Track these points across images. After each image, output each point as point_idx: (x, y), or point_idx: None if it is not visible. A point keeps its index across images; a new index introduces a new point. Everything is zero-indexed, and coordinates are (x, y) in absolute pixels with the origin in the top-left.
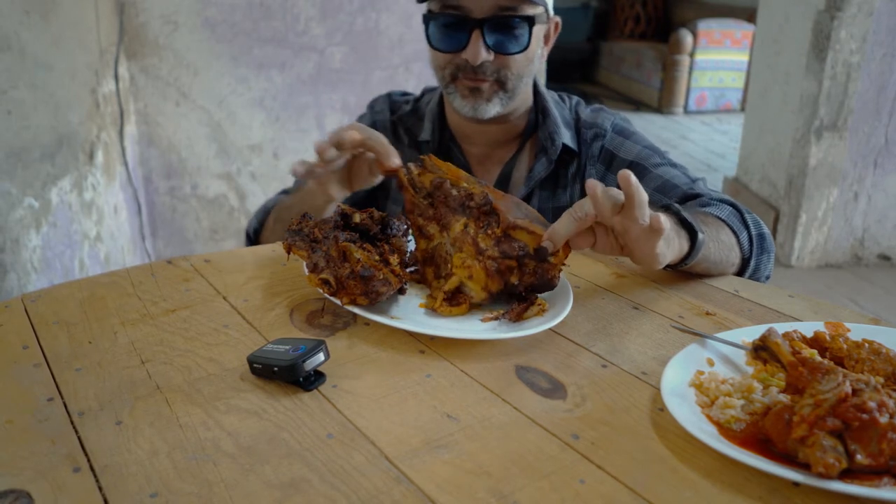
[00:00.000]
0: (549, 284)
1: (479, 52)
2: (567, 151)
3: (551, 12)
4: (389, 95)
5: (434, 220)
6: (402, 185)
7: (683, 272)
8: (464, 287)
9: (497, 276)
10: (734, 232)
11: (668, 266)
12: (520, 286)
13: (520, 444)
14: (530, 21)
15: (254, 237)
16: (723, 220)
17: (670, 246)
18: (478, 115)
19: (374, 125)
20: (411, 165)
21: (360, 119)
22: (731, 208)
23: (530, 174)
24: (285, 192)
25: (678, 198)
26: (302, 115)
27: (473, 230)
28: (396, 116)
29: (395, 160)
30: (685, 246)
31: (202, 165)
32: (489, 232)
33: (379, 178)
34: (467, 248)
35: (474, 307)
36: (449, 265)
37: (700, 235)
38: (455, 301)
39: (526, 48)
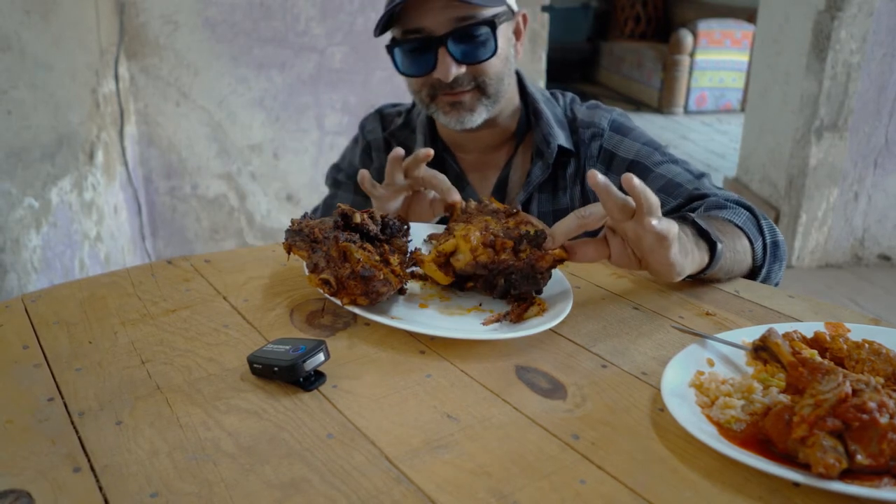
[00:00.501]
0: (534, 279)
1: (449, 68)
2: (564, 152)
3: (515, 7)
4: (380, 111)
5: (462, 220)
6: (455, 215)
7: (697, 280)
8: (455, 254)
9: (490, 249)
10: (750, 240)
11: (687, 277)
12: (504, 263)
13: (520, 444)
14: (492, 24)
15: None
16: (739, 227)
17: (688, 256)
18: (465, 126)
19: (367, 147)
20: (471, 200)
21: (355, 142)
22: (747, 213)
23: (528, 179)
24: None
25: (683, 198)
26: (302, 115)
27: (491, 219)
28: (389, 132)
29: (456, 196)
30: (705, 258)
31: (202, 165)
32: (500, 220)
33: (437, 218)
34: (475, 220)
35: (474, 309)
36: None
37: (719, 246)
38: (443, 268)
39: (495, 52)
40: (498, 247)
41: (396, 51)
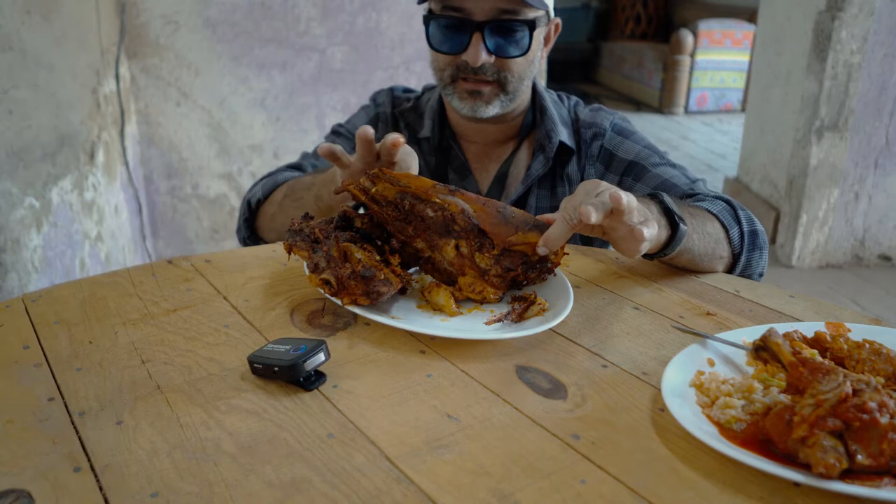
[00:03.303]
0: (549, 272)
1: (480, 54)
2: (565, 150)
3: (552, 14)
4: (392, 90)
5: (417, 237)
6: (363, 200)
7: (666, 263)
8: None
9: (504, 285)
10: (724, 226)
11: (648, 256)
12: (524, 281)
13: (520, 444)
14: (531, 25)
15: (255, 207)
16: (713, 214)
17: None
18: (477, 114)
19: (376, 117)
20: (363, 181)
21: (364, 110)
22: (724, 204)
23: (528, 172)
24: (293, 167)
25: (677, 198)
26: (303, 115)
27: (467, 250)
28: (398, 111)
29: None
30: (663, 235)
31: (203, 165)
32: (485, 252)
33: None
34: (469, 273)
35: (475, 307)
36: (454, 279)
37: (682, 227)
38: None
39: (526, 52)
40: (508, 279)
41: (432, 24)
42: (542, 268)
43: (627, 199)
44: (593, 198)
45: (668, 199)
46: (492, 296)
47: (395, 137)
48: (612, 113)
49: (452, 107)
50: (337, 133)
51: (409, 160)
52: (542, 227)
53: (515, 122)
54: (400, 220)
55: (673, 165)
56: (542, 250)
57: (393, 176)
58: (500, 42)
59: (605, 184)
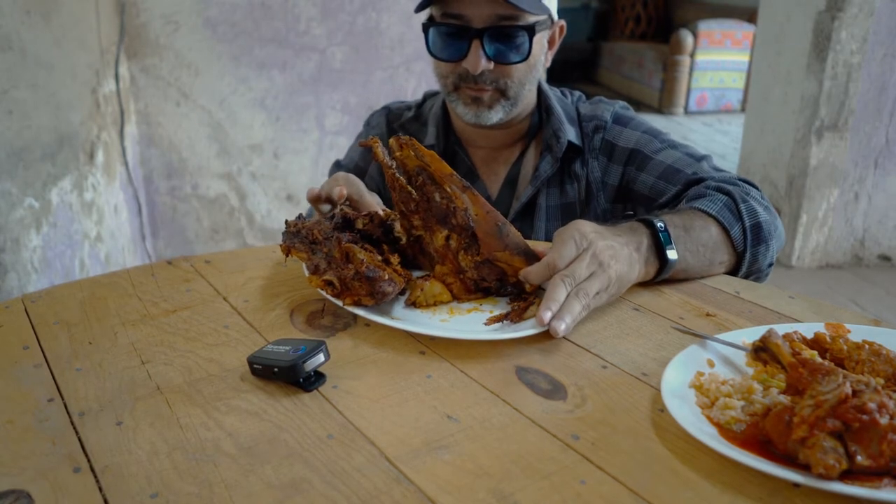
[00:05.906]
0: (521, 298)
1: (479, 61)
2: (572, 148)
3: (555, 17)
4: (387, 107)
5: (416, 213)
6: (379, 160)
7: (695, 280)
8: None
9: (475, 290)
10: (724, 228)
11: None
12: (495, 294)
13: (520, 444)
14: (530, 30)
15: None
16: (712, 216)
17: (634, 272)
18: (480, 121)
19: None
20: (392, 142)
21: (358, 138)
22: (725, 198)
23: (536, 173)
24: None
25: (681, 185)
26: (303, 115)
27: (455, 245)
28: (398, 124)
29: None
30: (651, 271)
31: (203, 165)
32: (470, 254)
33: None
34: (448, 264)
35: (475, 310)
36: (433, 266)
37: (671, 260)
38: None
39: (527, 57)
40: (481, 286)
41: (432, 31)
42: (514, 290)
43: (584, 303)
44: (575, 257)
45: (662, 231)
46: (458, 292)
47: (339, 191)
48: (612, 103)
49: (457, 113)
50: (339, 165)
51: (358, 188)
52: (530, 258)
53: (521, 125)
54: (407, 191)
55: (675, 146)
56: (521, 278)
57: (420, 150)
58: (499, 48)
59: (590, 234)
